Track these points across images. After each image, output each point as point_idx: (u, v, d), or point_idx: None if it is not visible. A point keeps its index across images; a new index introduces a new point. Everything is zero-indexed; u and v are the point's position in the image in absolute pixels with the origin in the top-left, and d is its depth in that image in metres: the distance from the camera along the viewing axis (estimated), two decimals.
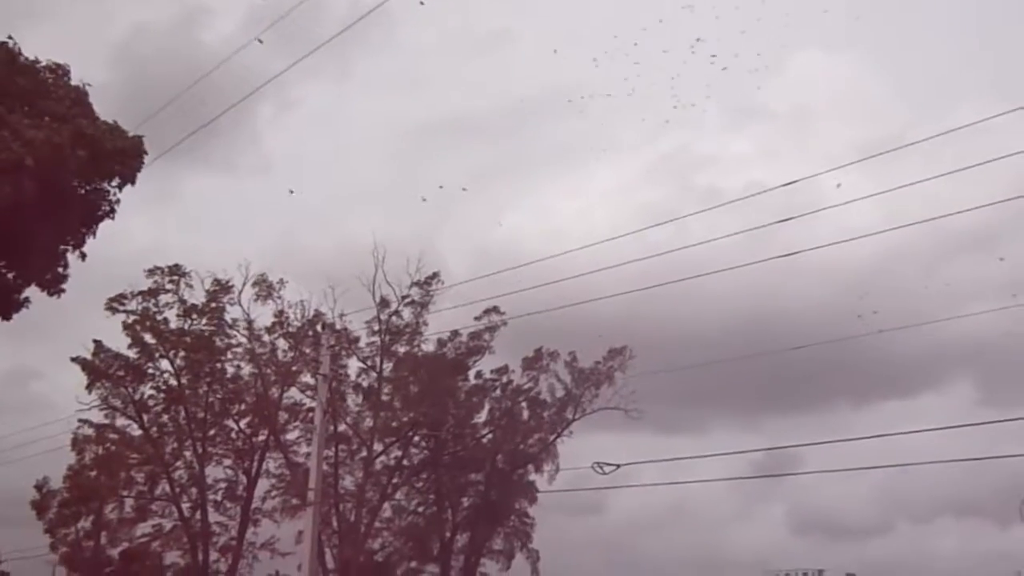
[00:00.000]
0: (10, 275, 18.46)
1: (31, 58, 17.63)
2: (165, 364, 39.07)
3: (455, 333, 40.26)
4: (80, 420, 39.47)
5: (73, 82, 18.02)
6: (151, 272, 38.22)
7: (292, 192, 38.35)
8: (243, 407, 39.61)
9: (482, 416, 43.20)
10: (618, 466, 26.97)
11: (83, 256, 18.72)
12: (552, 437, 42.40)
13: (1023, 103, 16.03)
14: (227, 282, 37.73)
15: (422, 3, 19.04)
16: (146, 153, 18.62)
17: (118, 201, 18.64)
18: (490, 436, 43.27)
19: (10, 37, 17.29)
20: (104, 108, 18.39)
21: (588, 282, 24.44)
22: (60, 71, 17.94)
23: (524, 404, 42.97)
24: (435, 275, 37.59)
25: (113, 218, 18.70)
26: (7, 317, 18.67)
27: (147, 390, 39.51)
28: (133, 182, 18.53)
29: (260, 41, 18.19)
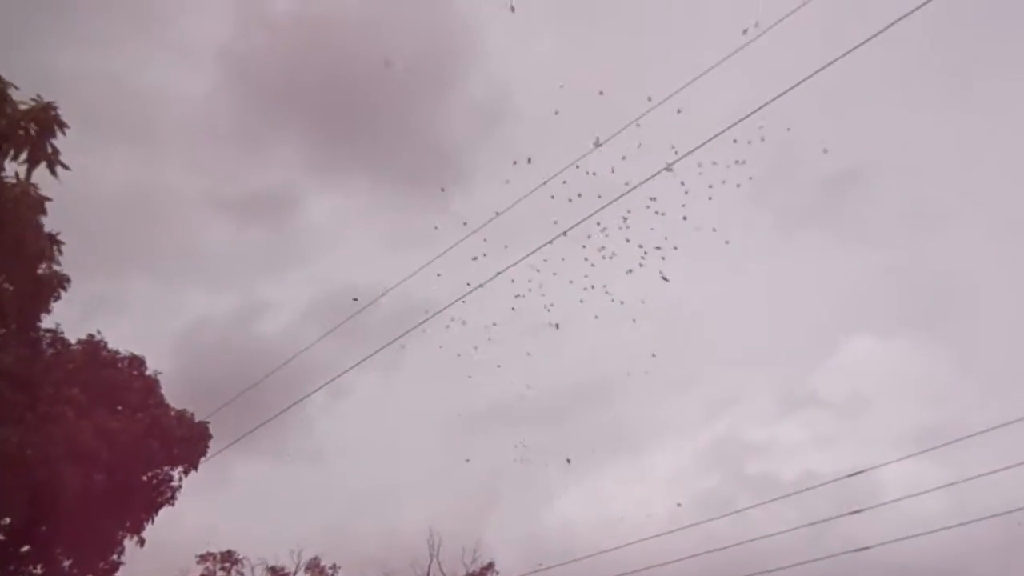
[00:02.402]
0: (66, 563, 18.40)
1: (113, 349, 18.79)
2: None
3: None
4: None
5: (147, 372, 19.04)
6: (203, 558, 37.62)
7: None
8: None
9: None
10: None
11: (141, 542, 18.72)
12: None
13: None
14: (282, 569, 36.96)
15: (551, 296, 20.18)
16: (211, 438, 19.16)
17: (180, 487, 18.93)
18: None
19: (98, 331, 18.59)
20: (165, 392, 19.29)
21: (646, 572, 23.42)
22: (137, 362, 19.02)
23: None
24: (490, 565, 36.49)
25: (174, 504, 18.91)
26: None
27: None
28: (196, 468, 18.93)
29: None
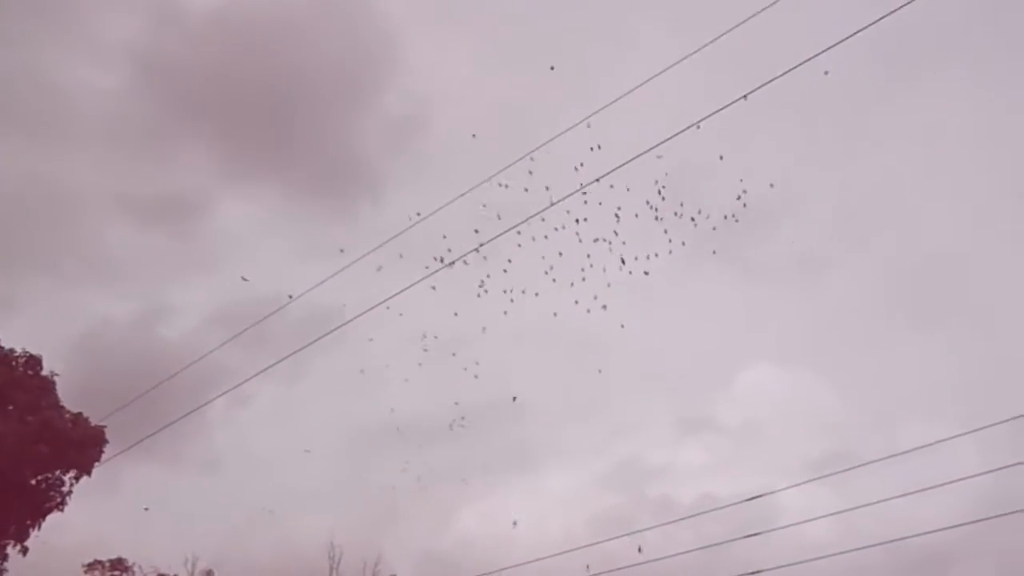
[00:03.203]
0: None
1: (7, 347, 18.08)
2: None
3: None
4: None
5: (43, 372, 18.36)
6: (91, 566, 36.17)
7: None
8: None
9: None
10: None
11: (24, 551, 17.95)
12: None
13: (971, 425, 16.73)
14: None
15: None
16: (107, 442, 18.52)
17: (70, 493, 18.26)
18: None
19: None
20: (62, 394, 18.62)
21: None
22: (33, 361, 18.34)
23: None
24: None
25: (63, 510, 18.21)
26: None
27: None
28: (89, 474, 18.28)
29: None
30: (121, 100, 51.54)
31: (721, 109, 12.02)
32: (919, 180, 59.34)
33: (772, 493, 20.46)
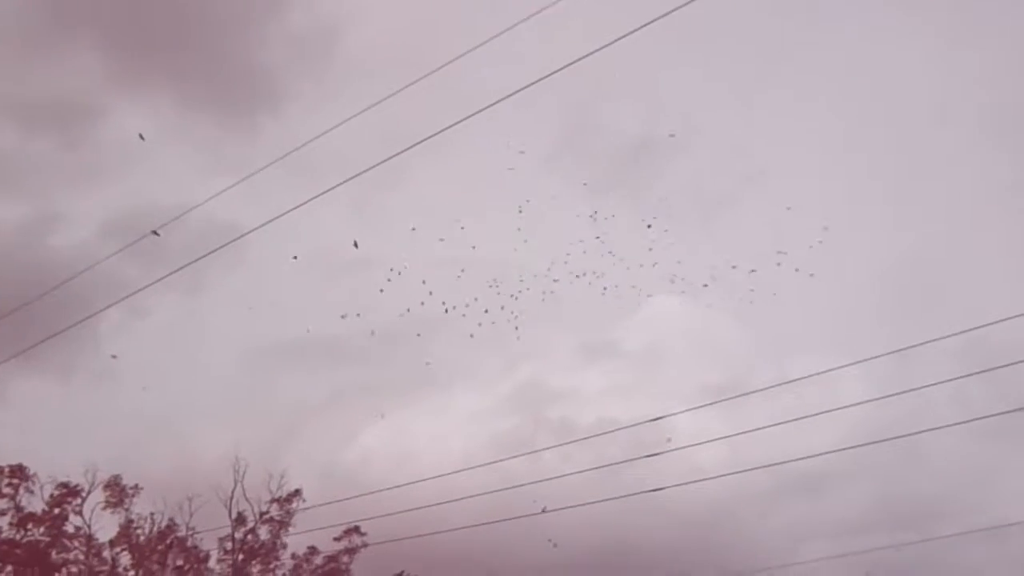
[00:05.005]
0: None
1: None
2: None
3: (313, 550, 38.37)
4: None
5: None
6: None
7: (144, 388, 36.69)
8: None
9: None
10: None
11: None
12: None
13: (855, 358, 17.62)
14: (75, 486, 35.38)
15: None
16: None
17: None
18: None
19: None
20: None
21: (445, 507, 24.17)
22: None
23: None
24: (297, 492, 36.46)
25: None
26: None
27: None
28: None
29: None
30: None
31: (630, 33, 11.82)
32: (821, 116, 60.72)
33: (667, 416, 21.11)
